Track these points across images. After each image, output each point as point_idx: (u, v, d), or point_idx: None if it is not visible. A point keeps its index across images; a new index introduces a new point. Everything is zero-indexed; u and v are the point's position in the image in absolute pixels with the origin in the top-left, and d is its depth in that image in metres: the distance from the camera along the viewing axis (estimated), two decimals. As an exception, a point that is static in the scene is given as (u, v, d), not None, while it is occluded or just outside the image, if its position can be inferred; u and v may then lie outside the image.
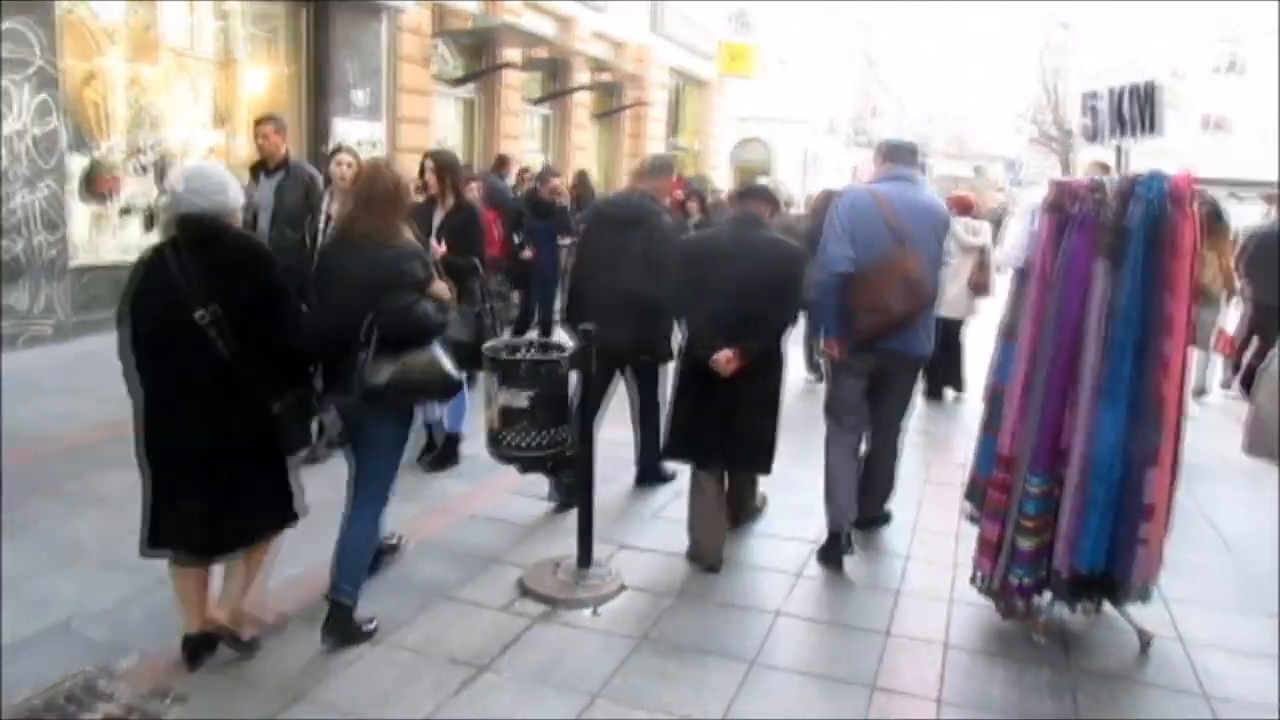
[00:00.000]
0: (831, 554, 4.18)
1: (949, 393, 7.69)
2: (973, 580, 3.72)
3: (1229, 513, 5.18)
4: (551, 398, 3.64)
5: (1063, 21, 35.47)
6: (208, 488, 2.92)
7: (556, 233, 9.24)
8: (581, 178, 12.85)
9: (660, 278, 4.28)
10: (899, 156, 4.30)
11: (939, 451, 6.13)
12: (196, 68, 9.33)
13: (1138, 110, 3.61)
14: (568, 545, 3.95)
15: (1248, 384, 6.47)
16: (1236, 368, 7.55)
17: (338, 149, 5.70)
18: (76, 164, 8.10)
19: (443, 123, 13.11)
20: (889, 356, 4.16)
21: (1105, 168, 5.22)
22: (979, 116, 47.14)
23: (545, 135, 16.26)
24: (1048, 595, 3.58)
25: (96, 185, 8.37)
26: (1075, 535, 3.38)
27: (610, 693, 3.08)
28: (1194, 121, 31.99)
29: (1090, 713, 3.13)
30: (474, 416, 5.00)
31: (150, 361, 2.92)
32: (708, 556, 4.12)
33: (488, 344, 3.93)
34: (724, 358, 3.92)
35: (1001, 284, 6.25)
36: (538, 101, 15.67)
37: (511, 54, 13.62)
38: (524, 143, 14.85)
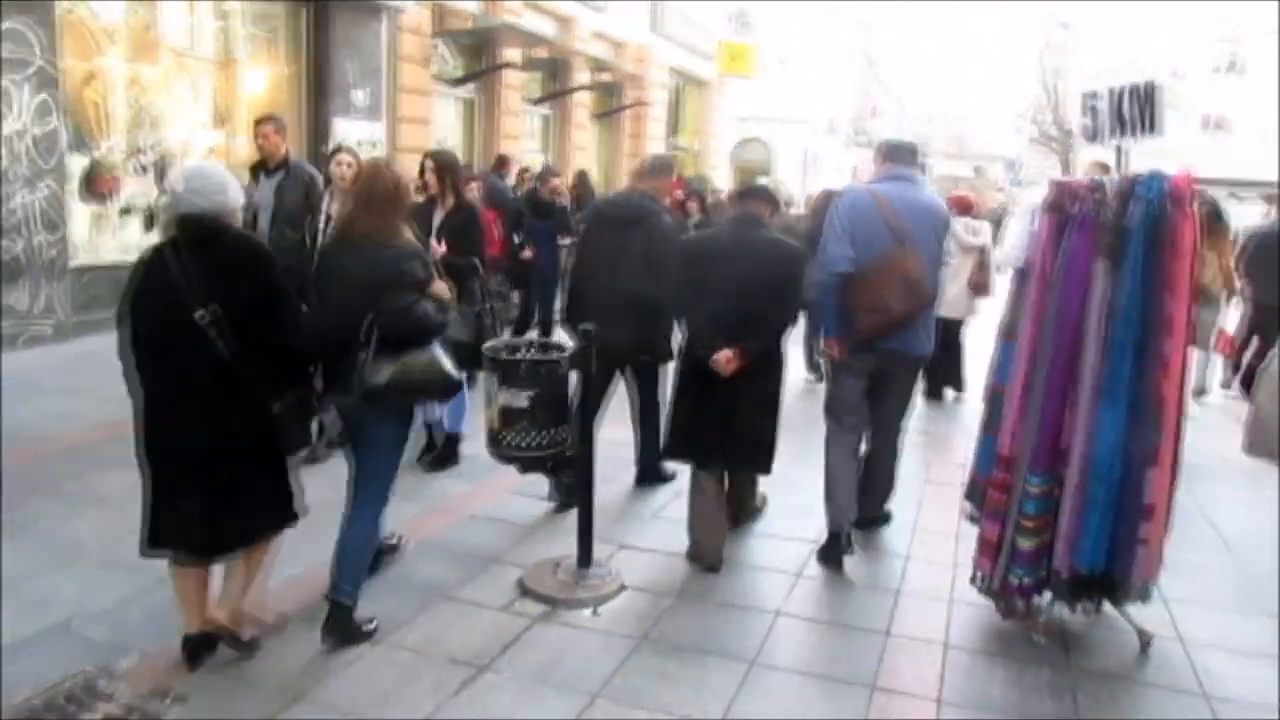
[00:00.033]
0: (831, 554, 4.18)
1: (949, 393, 7.69)
2: (973, 580, 3.72)
3: (1229, 513, 5.18)
4: (551, 398, 3.64)
5: (1063, 21, 35.48)
6: (208, 488, 2.92)
7: (556, 233, 9.24)
8: (581, 178, 12.85)
9: (661, 278, 4.28)
10: (899, 156, 4.30)
11: (939, 451, 6.13)
12: (196, 68, 9.33)
13: (1138, 110, 3.61)
14: (568, 545, 3.95)
15: (1248, 384, 6.47)
16: (1237, 368, 7.55)
17: (337, 149, 5.69)
18: (76, 164, 8.10)
19: (443, 123, 13.11)
20: (889, 356, 4.16)
21: (1105, 168, 5.22)
22: (979, 116, 47.14)
23: (545, 135, 16.26)
24: (1048, 595, 3.58)
25: (97, 185, 8.37)
26: (1075, 535, 3.38)
27: (610, 693, 3.08)
28: (1194, 122, 31.99)
29: (1090, 713, 3.13)
30: (474, 416, 5.00)
31: (150, 361, 2.92)
32: (708, 556, 4.12)
33: (488, 344, 3.93)
34: (724, 357, 3.92)
35: (1001, 284, 6.25)
36: (538, 101, 15.68)
37: (511, 54, 13.62)
38: (524, 143, 14.85)
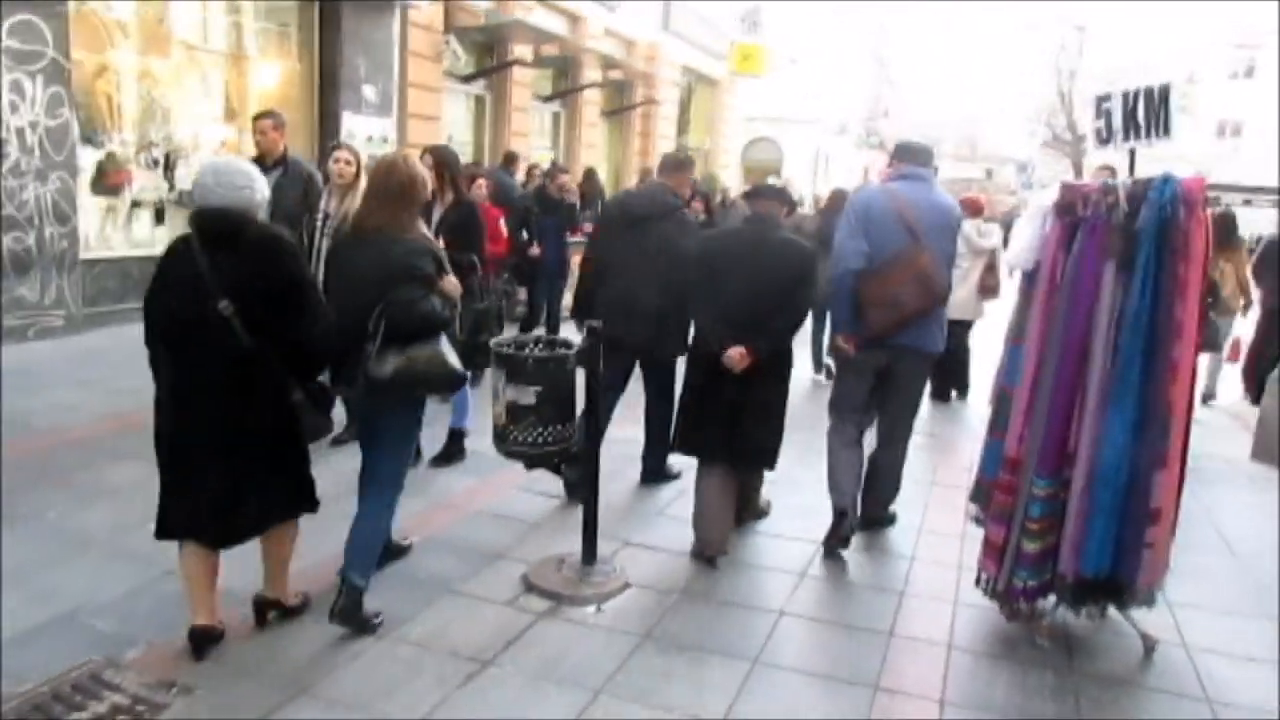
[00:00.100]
0: (837, 531, 4.23)
1: (953, 395, 7.68)
2: (977, 582, 3.72)
3: (1235, 518, 5.16)
4: (558, 394, 3.65)
5: (1078, 24, 35.35)
6: (222, 477, 2.97)
7: (564, 229, 9.25)
8: (590, 175, 12.87)
9: (681, 272, 4.30)
10: (914, 156, 4.37)
11: (945, 454, 6.13)
12: (208, 62, 9.35)
13: (1151, 113, 3.60)
14: (572, 542, 3.96)
15: (1257, 392, 6.47)
16: (1250, 375, 7.53)
17: (336, 146, 5.63)
18: (87, 157, 8.13)
19: (453, 119, 13.12)
20: (901, 352, 4.20)
21: (1112, 172, 5.21)
22: (991, 119, 47.04)
23: (555, 132, 16.27)
24: (1052, 598, 3.58)
25: (109, 178, 8.41)
26: (1081, 539, 3.37)
27: (613, 689, 3.09)
28: (1209, 127, 31.86)
29: (1093, 716, 3.12)
30: (477, 413, 5.02)
31: (172, 351, 2.97)
32: (712, 546, 4.14)
33: (495, 340, 3.94)
34: (735, 354, 3.98)
35: (1009, 286, 6.24)
36: (548, 98, 15.68)
37: (522, 51, 13.62)
38: (533, 140, 14.85)
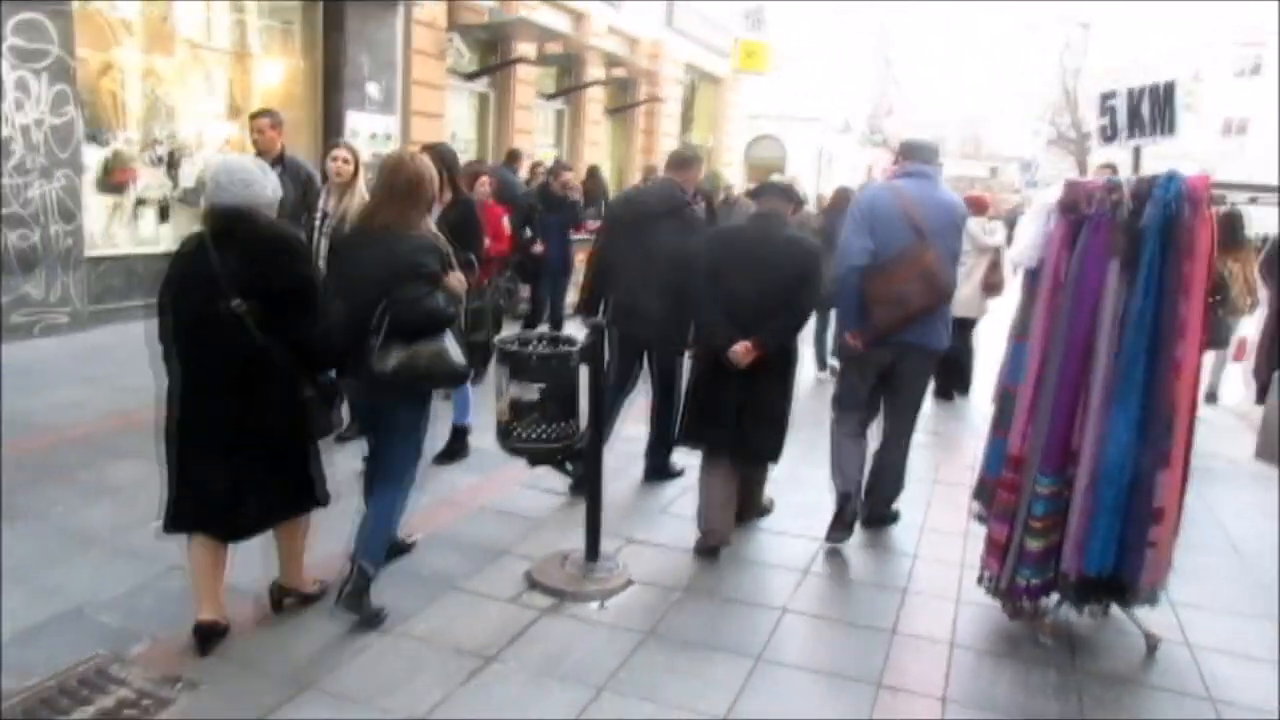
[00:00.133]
0: (843, 517, 4.27)
1: (954, 393, 7.68)
2: (980, 580, 3.71)
3: (1238, 517, 5.16)
4: (561, 391, 3.66)
5: (1083, 22, 35.27)
6: (231, 473, 3.00)
7: (568, 227, 9.25)
8: (593, 173, 12.87)
9: (689, 269, 4.33)
10: (919, 154, 4.39)
11: (948, 452, 6.13)
12: (212, 59, 9.37)
13: (1156, 111, 3.60)
14: (576, 539, 3.97)
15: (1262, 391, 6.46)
16: (1260, 376, 7.49)
17: (334, 144, 5.61)
18: (92, 154, 8.14)
19: (456, 116, 13.12)
20: (906, 349, 4.22)
21: (1113, 170, 5.21)
22: (995, 117, 46.95)
23: (558, 130, 16.26)
24: (1055, 597, 3.58)
25: (114, 176, 8.43)
26: (1084, 537, 3.37)
27: (616, 686, 3.10)
28: (1215, 125, 31.77)
29: (1095, 714, 3.12)
30: (479, 410, 5.03)
31: (184, 348, 3.01)
32: (715, 535, 4.17)
33: (499, 337, 3.95)
34: (741, 349, 4.02)
35: (1013, 284, 6.24)
36: (551, 96, 15.68)
37: (526, 48, 13.62)
38: (537, 137, 14.85)
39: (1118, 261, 3.27)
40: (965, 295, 6.82)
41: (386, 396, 3.31)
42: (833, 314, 6.30)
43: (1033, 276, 3.68)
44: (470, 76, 13.24)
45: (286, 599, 3.40)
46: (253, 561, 3.35)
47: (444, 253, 3.43)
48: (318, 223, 5.27)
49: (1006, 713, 3.10)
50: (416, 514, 4.24)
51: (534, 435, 3.64)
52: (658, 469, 5.09)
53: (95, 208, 8.21)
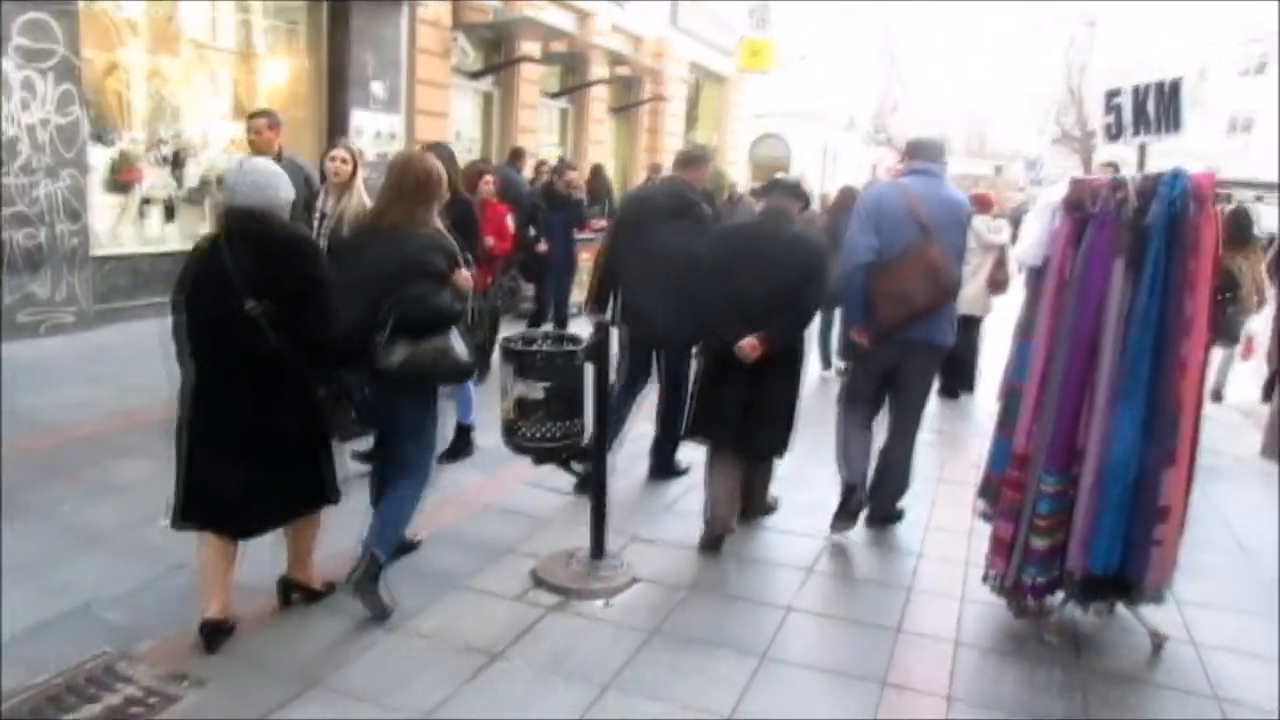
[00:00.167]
0: (848, 507, 4.31)
1: (959, 391, 7.68)
2: (985, 578, 3.71)
3: (1244, 515, 5.15)
4: (566, 389, 3.66)
5: (1089, 20, 35.18)
6: (245, 471, 3.02)
7: (572, 226, 9.26)
8: (597, 171, 12.87)
9: (698, 267, 4.34)
10: (925, 152, 4.41)
11: (953, 450, 6.12)
12: (216, 59, 9.38)
13: (1161, 108, 3.59)
14: (581, 537, 3.97)
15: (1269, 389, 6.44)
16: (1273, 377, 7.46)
17: (333, 144, 5.58)
18: (97, 154, 8.16)
19: (460, 115, 13.13)
20: (912, 346, 4.24)
21: (1115, 168, 5.20)
22: (1000, 115, 46.86)
23: (563, 129, 16.27)
24: (1060, 595, 3.57)
25: (120, 176, 8.45)
26: (1089, 535, 3.37)
27: (621, 684, 3.10)
28: (1220, 123, 31.63)
29: (1100, 713, 3.12)
30: (483, 408, 5.04)
31: (198, 347, 3.03)
32: (720, 522, 4.21)
33: (504, 336, 3.96)
34: (748, 344, 4.04)
35: (1018, 281, 6.23)
36: (555, 95, 15.67)
37: (530, 47, 13.62)
38: (541, 136, 14.86)
39: (1123, 259, 3.27)
40: (970, 293, 6.83)
41: (393, 393, 3.32)
42: (837, 313, 6.31)
43: (1038, 274, 3.68)
44: (475, 75, 13.25)
45: (294, 595, 3.42)
46: (260, 559, 3.36)
47: (451, 251, 3.44)
48: (316, 223, 5.24)
49: (1011, 711, 3.10)
50: (421, 512, 4.24)
51: (539, 434, 3.65)
52: (663, 467, 5.09)
53: (101, 207, 8.23)
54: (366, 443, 3.86)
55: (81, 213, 7.77)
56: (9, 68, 7.04)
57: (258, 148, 5.58)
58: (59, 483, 4.49)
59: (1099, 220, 3.33)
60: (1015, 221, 10.61)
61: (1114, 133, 3.88)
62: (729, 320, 4.12)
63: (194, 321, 3.04)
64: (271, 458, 3.07)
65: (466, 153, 12.40)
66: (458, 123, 12.88)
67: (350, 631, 3.29)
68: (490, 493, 4.77)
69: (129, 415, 5.47)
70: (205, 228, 8.75)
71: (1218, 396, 7.84)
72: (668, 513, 4.69)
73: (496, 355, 3.92)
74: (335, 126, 10.22)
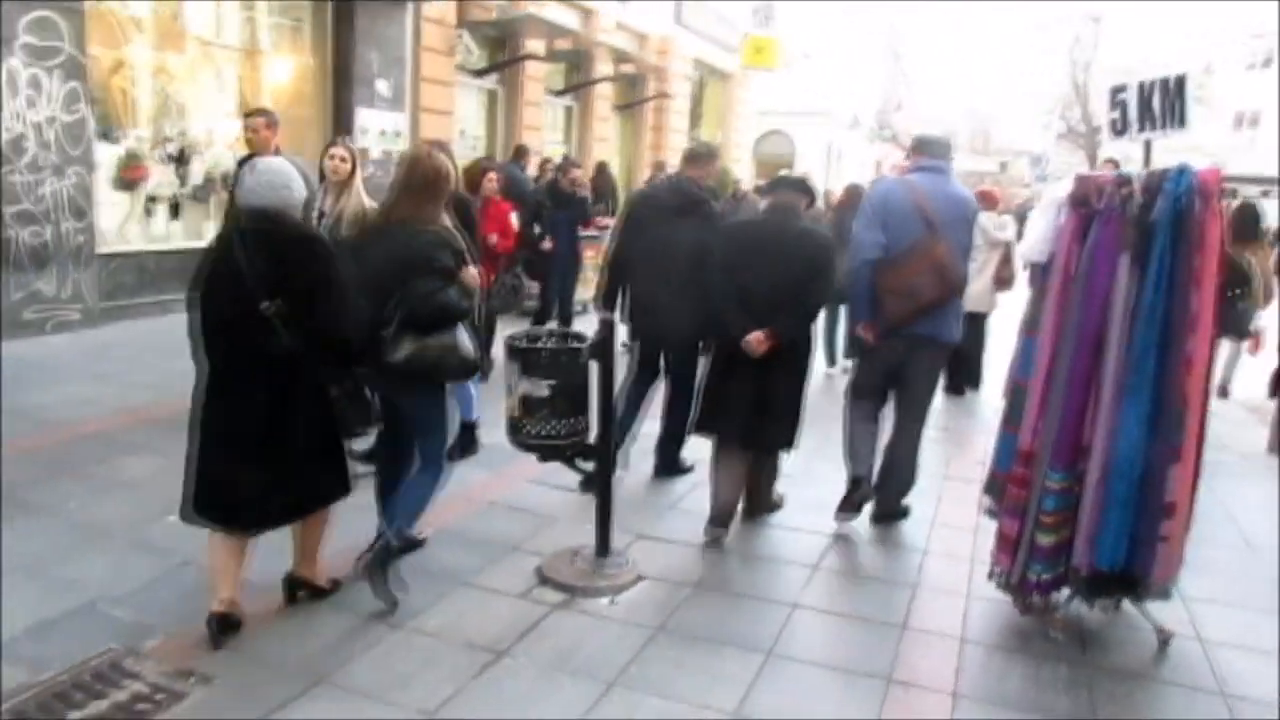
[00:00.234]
0: (853, 498, 4.34)
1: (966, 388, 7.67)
2: (990, 575, 3.71)
3: (1250, 511, 5.14)
4: (571, 387, 3.67)
5: (1094, 16, 35.10)
6: (259, 467, 3.04)
7: (576, 223, 9.26)
8: (601, 169, 12.87)
9: (708, 264, 4.35)
10: (931, 149, 4.42)
11: (958, 447, 6.11)
12: (221, 57, 9.40)
13: (1167, 104, 3.58)
14: (586, 534, 3.98)
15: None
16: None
17: (332, 143, 5.56)
18: (103, 151, 8.18)
19: (465, 113, 13.14)
20: (917, 342, 4.25)
21: (1115, 164, 5.19)
22: (1005, 111, 46.76)
23: (567, 126, 16.27)
24: (1066, 591, 3.57)
25: (126, 173, 8.47)
26: (1095, 532, 3.36)
27: (626, 681, 3.10)
28: (1226, 119, 31.53)
29: (1106, 710, 3.12)
30: (489, 407, 5.03)
31: (213, 345, 3.06)
32: (722, 508, 4.25)
33: (509, 333, 3.96)
34: (755, 339, 4.07)
35: (1023, 278, 6.22)
36: (560, 93, 15.68)
37: (534, 45, 13.63)
38: (545, 134, 14.86)
39: (1128, 255, 3.26)
40: (976, 290, 6.82)
41: (401, 389, 3.35)
42: (843, 310, 6.30)
43: (1043, 271, 3.68)
44: (479, 73, 13.26)
45: (300, 592, 3.43)
46: (266, 557, 3.36)
47: (459, 248, 3.45)
48: (315, 222, 5.22)
49: (1017, 708, 3.10)
50: (427, 510, 4.26)
51: (544, 431, 3.65)
52: (668, 465, 5.09)
53: (107, 205, 8.25)
54: (367, 442, 3.87)
55: (87, 210, 7.79)
56: (15, 65, 7.06)
57: (255, 146, 5.58)
58: (65, 480, 4.50)
59: (1104, 216, 3.32)
60: (1021, 218, 10.58)
61: (1119, 128, 3.87)
62: (736, 315, 4.13)
63: (208, 320, 3.06)
64: (284, 455, 3.08)
65: (471, 151, 12.42)
66: (462, 120, 12.89)
67: (356, 628, 3.30)
68: (495, 490, 4.77)
69: (134, 412, 5.49)
70: (210, 225, 8.78)
71: (1224, 392, 7.82)
72: (673, 510, 4.69)
73: (498, 352, 3.92)
74: (340, 124, 10.23)
